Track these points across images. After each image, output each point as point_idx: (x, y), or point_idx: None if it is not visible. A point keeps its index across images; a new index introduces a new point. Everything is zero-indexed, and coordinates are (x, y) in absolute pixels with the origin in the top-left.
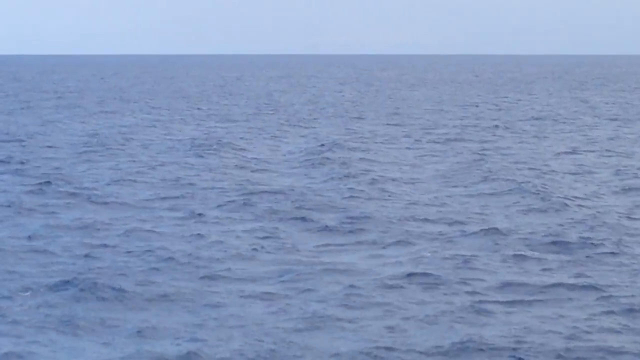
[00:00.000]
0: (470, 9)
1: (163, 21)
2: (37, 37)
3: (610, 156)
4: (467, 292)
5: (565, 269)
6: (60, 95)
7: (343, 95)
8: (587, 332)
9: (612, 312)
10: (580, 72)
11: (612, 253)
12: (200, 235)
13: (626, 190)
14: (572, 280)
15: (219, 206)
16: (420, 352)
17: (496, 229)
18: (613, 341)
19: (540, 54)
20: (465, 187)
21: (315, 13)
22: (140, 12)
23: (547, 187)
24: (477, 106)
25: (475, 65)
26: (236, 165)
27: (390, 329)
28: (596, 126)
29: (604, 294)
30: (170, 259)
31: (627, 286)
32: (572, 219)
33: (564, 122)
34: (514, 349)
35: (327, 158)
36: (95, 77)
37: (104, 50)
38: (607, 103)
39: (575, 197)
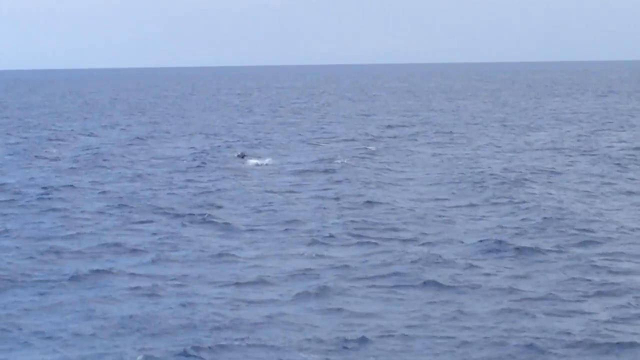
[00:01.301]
0: (462, 18)
1: (176, 34)
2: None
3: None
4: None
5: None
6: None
7: (300, 104)
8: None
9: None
10: (541, 79)
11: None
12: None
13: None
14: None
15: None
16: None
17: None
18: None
19: (540, 60)
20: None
21: (331, 24)
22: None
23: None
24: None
25: (454, 74)
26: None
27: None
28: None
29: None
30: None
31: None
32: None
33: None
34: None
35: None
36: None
37: (101, 64)
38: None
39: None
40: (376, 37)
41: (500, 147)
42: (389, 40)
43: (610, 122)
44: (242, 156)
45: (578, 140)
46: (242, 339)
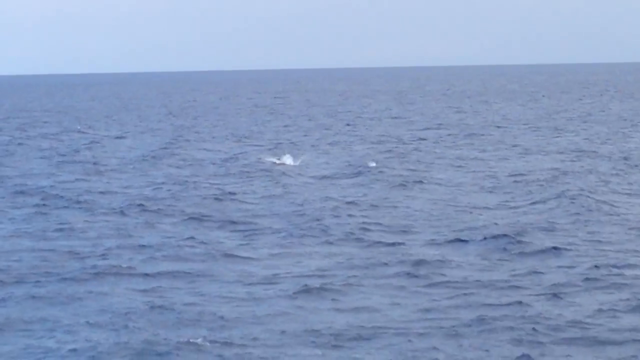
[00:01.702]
0: (502, 20)
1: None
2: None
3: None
4: None
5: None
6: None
7: (335, 107)
8: None
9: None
10: (579, 80)
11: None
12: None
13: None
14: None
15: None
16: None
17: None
18: None
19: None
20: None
21: (371, 26)
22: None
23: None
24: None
25: (494, 76)
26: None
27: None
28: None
29: None
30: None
31: None
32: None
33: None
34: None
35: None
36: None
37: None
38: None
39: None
40: (415, 40)
41: (527, 149)
42: (428, 43)
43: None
44: (277, 159)
45: (603, 143)
46: (248, 334)
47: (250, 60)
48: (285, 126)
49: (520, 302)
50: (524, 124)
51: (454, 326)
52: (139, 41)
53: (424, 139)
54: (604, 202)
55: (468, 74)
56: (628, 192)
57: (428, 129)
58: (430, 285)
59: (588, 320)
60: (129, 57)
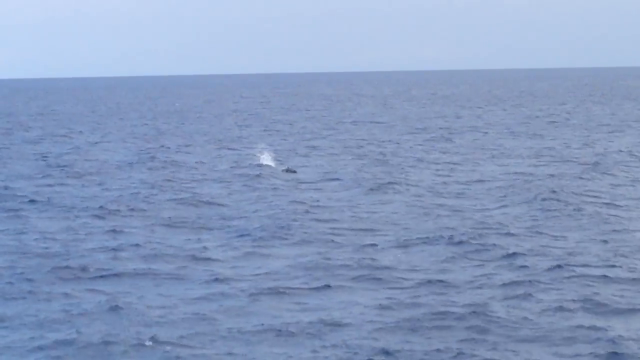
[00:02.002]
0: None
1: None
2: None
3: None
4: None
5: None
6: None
7: (318, 111)
8: None
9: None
10: (568, 85)
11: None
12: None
13: None
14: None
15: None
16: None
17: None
18: None
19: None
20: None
21: (363, 32)
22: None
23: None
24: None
25: (486, 80)
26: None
27: None
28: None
29: None
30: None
31: None
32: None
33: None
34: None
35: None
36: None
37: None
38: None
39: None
40: (403, 45)
41: (503, 153)
42: (416, 48)
43: (617, 129)
44: (254, 163)
45: (579, 148)
46: (207, 334)
47: (238, 64)
48: (266, 130)
49: (477, 303)
50: (505, 129)
51: (409, 324)
52: (128, 46)
53: (403, 143)
54: (572, 206)
55: (456, 78)
56: (596, 195)
57: (408, 133)
58: (391, 287)
59: (541, 319)
60: (118, 61)
